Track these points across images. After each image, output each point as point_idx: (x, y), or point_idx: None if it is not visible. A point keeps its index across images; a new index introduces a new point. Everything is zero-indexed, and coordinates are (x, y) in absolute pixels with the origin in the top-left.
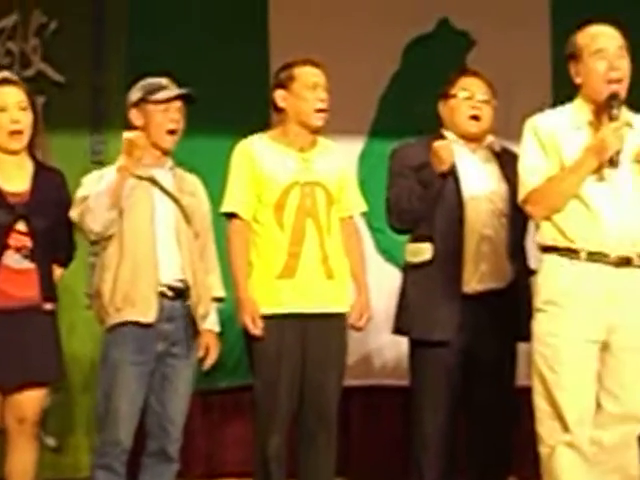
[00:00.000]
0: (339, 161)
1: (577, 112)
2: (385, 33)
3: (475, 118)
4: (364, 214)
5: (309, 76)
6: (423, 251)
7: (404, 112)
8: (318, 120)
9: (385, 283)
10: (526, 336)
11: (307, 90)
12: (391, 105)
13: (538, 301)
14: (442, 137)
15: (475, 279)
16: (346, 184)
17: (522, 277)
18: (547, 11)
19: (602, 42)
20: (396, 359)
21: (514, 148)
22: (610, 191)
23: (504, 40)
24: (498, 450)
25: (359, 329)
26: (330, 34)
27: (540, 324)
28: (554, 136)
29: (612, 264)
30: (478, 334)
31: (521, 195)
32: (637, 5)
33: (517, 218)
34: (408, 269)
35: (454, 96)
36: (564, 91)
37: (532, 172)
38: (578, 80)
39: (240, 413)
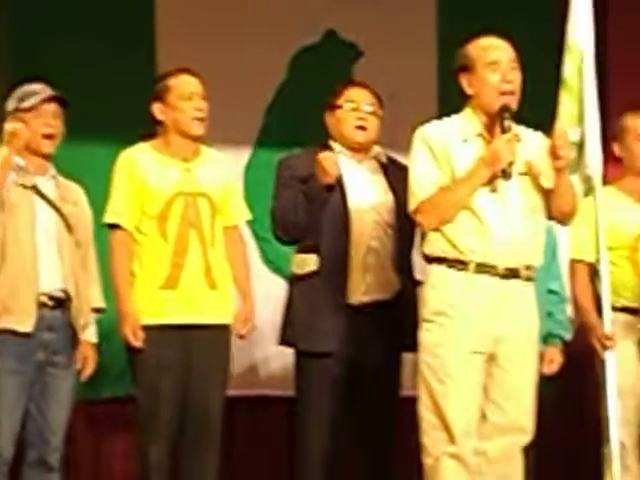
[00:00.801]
0: (223, 171)
1: (466, 123)
2: (272, 43)
3: (361, 128)
4: (250, 224)
5: (184, 86)
6: (309, 262)
7: (290, 122)
8: (197, 129)
9: (271, 293)
10: (411, 346)
11: (183, 100)
12: (278, 115)
13: (426, 312)
14: (329, 148)
15: (360, 290)
16: (230, 194)
17: (408, 288)
18: (433, 23)
19: (496, 54)
20: (282, 370)
21: (400, 159)
22: (500, 203)
23: (391, 51)
24: (379, 462)
25: (243, 337)
26: (217, 44)
27: (427, 335)
28: (445, 147)
29: (500, 276)
30: (363, 345)
31: (412, 205)
32: (523, 18)
33: (403, 229)
34: (294, 280)
35: (340, 107)
36: (450, 102)
37: (423, 182)
38: (470, 91)
39: (125, 423)
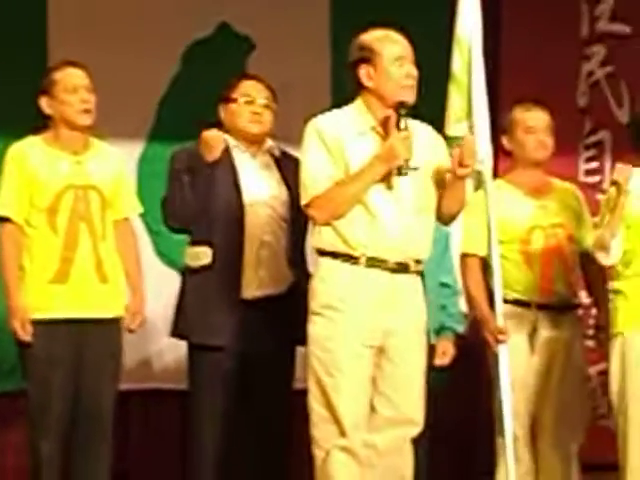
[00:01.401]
0: (114, 164)
1: (359, 116)
2: (164, 36)
3: (256, 121)
4: (143, 217)
5: (70, 78)
6: (202, 256)
7: (184, 116)
8: (83, 120)
9: (164, 286)
10: (304, 340)
11: (68, 93)
12: (171, 108)
13: (315, 305)
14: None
15: (254, 285)
16: (121, 187)
17: (302, 281)
18: (326, 15)
19: (400, 49)
20: (175, 363)
21: (294, 152)
22: (393, 198)
23: (284, 44)
24: (272, 455)
25: (132, 331)
26: (110, 37)
27: (317, 328)
28: (338, 139)
29: (390, 270)
30: (256, 339)
31: (304, 199)
32: (416, 12)
33: (297, 223)
34: (187, 273)
35: (235, 100)
36: (343, 95)
37: (316, 176)
38: (369, 84)
39: (17, 418)
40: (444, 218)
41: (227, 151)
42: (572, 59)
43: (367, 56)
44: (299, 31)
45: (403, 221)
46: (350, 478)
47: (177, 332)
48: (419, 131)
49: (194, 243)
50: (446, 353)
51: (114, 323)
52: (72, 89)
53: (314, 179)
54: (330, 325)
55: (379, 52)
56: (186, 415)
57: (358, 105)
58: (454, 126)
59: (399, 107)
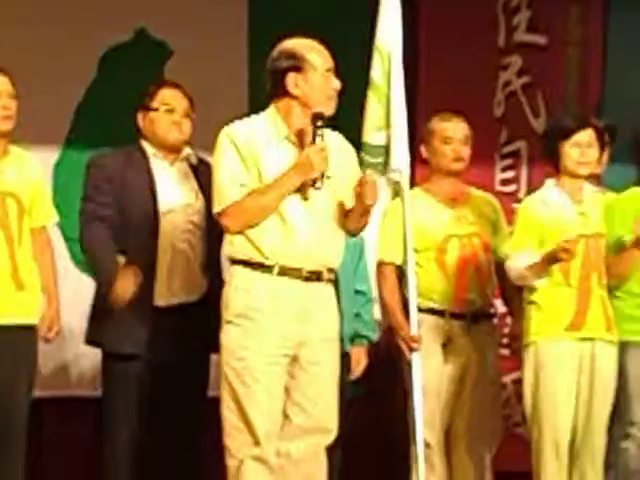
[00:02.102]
0: (33, 171)
1: (274, 125)
2: (82, 41)
3: (176, 130)
4: (59, 224)
5: None
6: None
7: (101, 121)
8: (4, 126)
9: (81, 293)
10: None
11: None
12: (88, 115)
13: (229, 314)
14: (141, 148)
15: (167, 293)
16: (38, 195)
17: (216, 289)
18: (244, 24)
19: (330, 61)
20: (92, 370)
21: (212, 158)
22: (306, 207)
23: (202, 51)
24: (186, 463)
25: (48, 341)
26: (26, 40)
27: (231, 337)
28: (252, 147)
29: (303, 279)
30: (169, 347)
31: (217, 207)
32: (336, 20)
33: (213, 231)
34: None
35: (155, 109)
36: (260, 104)
37: (231, 184)
38: (296, 92)
39: None
40: (349, 228)
41: (145, 159)
42: (489, 69)
43: (298, 65)
44: (217, 38)
45: (316, 229)
46: None
47: (90, 339)
48: (330, 140)
49: None
50: (359, 362)
51: (29, 330)
52: None
53: (227, 187)
54: (244, 334)
55: (311, 62)
56: (100, 422)
57: (272, 113)
58: (372, 134)
59: (316, 118)
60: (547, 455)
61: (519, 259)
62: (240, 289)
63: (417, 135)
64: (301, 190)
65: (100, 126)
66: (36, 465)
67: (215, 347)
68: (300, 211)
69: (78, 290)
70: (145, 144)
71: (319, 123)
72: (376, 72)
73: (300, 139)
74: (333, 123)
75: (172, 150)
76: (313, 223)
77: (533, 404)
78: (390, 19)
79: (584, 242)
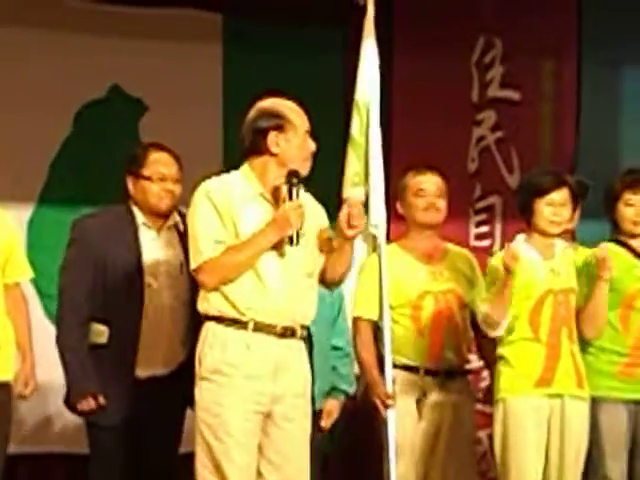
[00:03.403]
0: (7, 228)
1: (249, 182)
2: (56, 97)
3: (168, 198)
4: (33, 280)
5: None
6: (99, 334)
7: (76, 178)
8: None
9: (53, 347)
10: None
11: None
12: (63, 171)
13: (204, 370)
14: (130, 210)
15: (147, 365)
16: (12, 251)
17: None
18: (219, 83)
19: (308, 123)
20: (69, 427)
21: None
22: (281, 264)
23: (177, 108)
24: None
25: (24, 398)
26: (1, 97)
27: (206, 393)
28: (228, 204)
29: (277, 335)
30: (148, 417)
31: (195, 263)
32: (311, 77)
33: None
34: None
35: (148, 178)
36: (234, 162)
37: (207, 240)
38: (276, 150)
39: None
40: (328, 282)
41: (133, 225)
42: (463, 124)
43: (280, 124)
44: (192, 94)
45: (290, 286)
46: None
47: (68, 402)
48: (302, 198)
49: (92, 319)
50: (330, 415)
51: (4, 387)
52: None
53: (204, 244)
54: (219, 390)
55: (293, 122)
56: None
57: (247, 171)
58: (351, 189)
59: (292, 176)
60: None
61: (485, 307)
62: (215, 345)
63: (392, 191)
64: (277, 247)
65: (74, 182)
66: None
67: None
68: (275, 267)
69: (52, 345)
70: (135, 209)
71: (295, 181)
72: (355, 127)
73: (275, 197)
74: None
75: (162, 216)
76: (288, 280)
77: (502, 460)
78: (368, 72)
79: (553, 297)
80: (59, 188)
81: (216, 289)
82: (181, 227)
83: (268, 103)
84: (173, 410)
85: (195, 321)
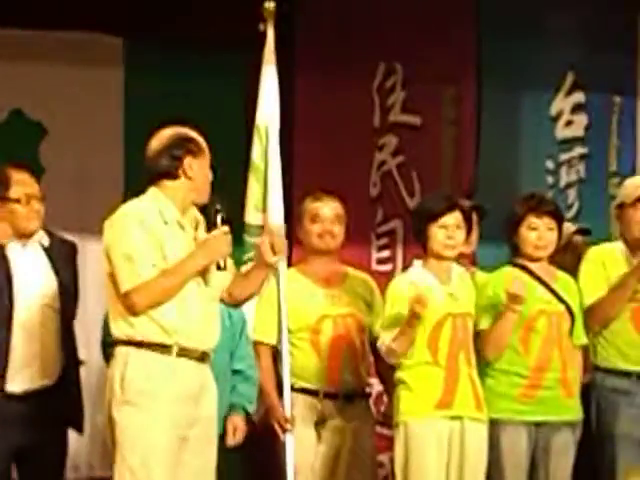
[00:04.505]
0: None
1: (164, 207)
2: None
3: (35, 219)
4: None
5: None
6: None
7: None
8: None
9: None
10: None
11: None
12: None
13: (126, 395)
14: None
15: (24, 379)
16: None
17: (72, 369)
18: (121, 107)
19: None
20: None
21: (90, 242)
22: (201, 290)
23: (77, 131)
24: None
25: None
26: None
27: (130, 417)
28: (154, 227)
29: (196, 359)
30: (27, 433)
31: (125, 286)
32: (209, 103)
33: (68, 310)
34: None
35: (17, 201)
36: (136, 187)
37: (141, 263)
38: (190, 173)
39: None
40: (232, 301)
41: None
42: (365, 149)
43: (194, 150)
44: (93, 118)
45: (206, 311)
46: None
47: None
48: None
49: None
50: (237, 429)
51: None
52: None
53: (137, 266)
54: (141, 414)
55: (204, 150)
56: None
57: (157, 195)
58: (253, 214)
59: (214, 204)
60: None
61: (387, 337)
62: (140, 371)
63: (293, 216)
64: (203, 273)
65: None
66: None
67: (76, 425)
68: (196, 292)
69: None
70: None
71: (219, 207)
72: (255, 152)
73: (189, 222)
74: None
75: (28, 236)
76: (204, 304)
77: None
78: (268, 98)
79: (451, 321)
80: None
81: (143, 313)
82: (45, 242)
83: (180, 130)
84: (55, 426)
85: (69, 328)
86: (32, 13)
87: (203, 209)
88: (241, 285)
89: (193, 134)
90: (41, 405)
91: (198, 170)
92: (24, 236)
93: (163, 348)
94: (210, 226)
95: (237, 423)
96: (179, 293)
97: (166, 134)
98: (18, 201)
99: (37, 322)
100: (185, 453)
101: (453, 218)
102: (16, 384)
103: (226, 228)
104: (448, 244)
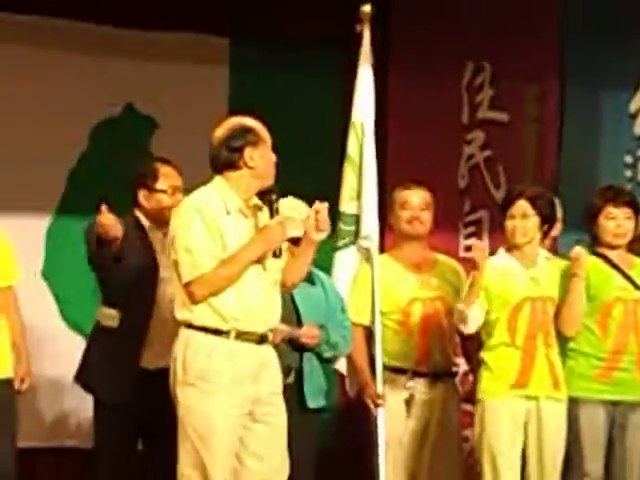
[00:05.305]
0: None
1: (227, 196)
2: (74, 115)
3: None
4: (50, 284)
5: None
6: (110, 318)
7: (90, 191)
8: None
9: (68, 348)
10: None
11: None
12: (79, 184)
13: (189, 376)
14: (137, 220)
15: (154, 356)
16: (2, 257)
17: None
18: (226, 100)
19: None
20: (82, 421)
21: None
22: (260, 276)
23: (185, 124)
24: None
25: (20, 392)
26: (20, 113)
27: (192, 398)
28: (215, 217)
29: (255, 342)
30: (151, 402)
31: (187, 277)
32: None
33: None
34: (96, 328)
35: (163, 191)
36: None
37: (201, 254)
38: (252, 164)
39: None
40: (288, 285)
41: (142, 228)
42: (453, 144)
43: (254, 140)
44: (200, 114)
45: (266, 296)
46: None
47: (81, 380)
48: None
49: (105, 303)
50: (311, 332)
51: (6, 384)
52: None
53: (198, 258)
54: (204, 396)
55: (264, 138)
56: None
57: (220, 185)
58: (348, 204)
59: (269, 194)
60: None
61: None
62: (200, 353)
63: (386, 205)
64: (260, 260)
65: (90, 194)
66: None
67: None
68: (255, 278)
69: (65, 344)
70: (140, 216)
71: (274, 198)
72: (351, 146)
73: (250, 210)
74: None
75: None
76: (264, 289)
77: (480, 459)
78: (364, 96)
79: (530, 304)
80: (76, 199)
81: (202, 302)
82: None
83: (241, 121)
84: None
85: None
86: (146, 15)
87: (260, 196)
88: (290, 269)
89: (253, 124)
90: (163, 381)
91: (259, 159)
92: (166, 224)
93: (221, 333)
94: (267, 215)
95: (311, 329)
96: (240, 281)
97: (227, 125)
98: (164, 192)
99: (169, 308)
100: (254, 425)
101: (519, 207)
102: (146, 360)
103: (280, 218)
104: (515, 233)
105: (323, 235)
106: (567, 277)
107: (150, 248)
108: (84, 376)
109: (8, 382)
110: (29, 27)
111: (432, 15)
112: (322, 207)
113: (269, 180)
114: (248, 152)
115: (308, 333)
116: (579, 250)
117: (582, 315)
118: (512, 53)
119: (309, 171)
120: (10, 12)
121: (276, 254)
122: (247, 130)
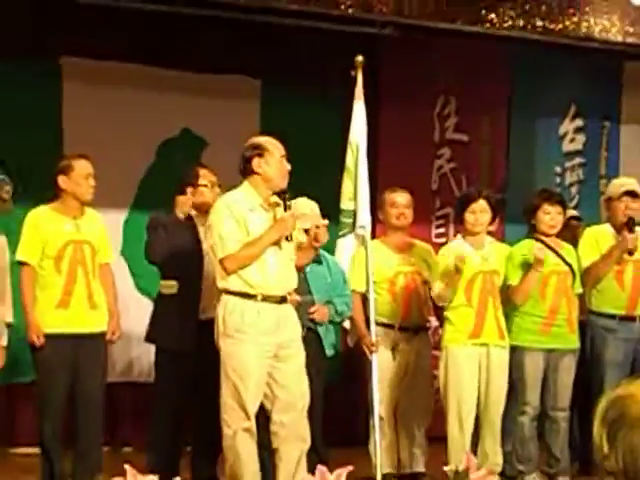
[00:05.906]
0: (99, 225)
1: (250, 195)
2: (143, 136)
3: (214, 200)
4: (127, 263)
5: (82, 167)
6: (170, 286)
7: (156, 193)
8: (90, 197)
9: (142, 310)
10: None
11: (82, 178)
12: (148, 187)
13: (227, 330)
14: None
15: (204, 310)
16: (102, 241)
17: None
18: (256, 122)
19: (283, 151)
20: (149, 363)
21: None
22: (278, 253)
23: (226, 144)
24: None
25: (112, 343)
26: (107, 135)
27: (230, 347)
28: (241, 211)
29: (276, 302)
30: (205, 347)
31: (220, 255)
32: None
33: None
34: (160, 297)
35: (205, 186)
36: None
37: (229, 239)
38: (259, 170)
39: (29, 402)
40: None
41: (191, 219)
42: (428, 157)
43: (260, 152)
44: (236, 137)
45: (283, 268)
46: (249, 452)
47: (149, 338)
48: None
49: (165, 277)
50: (320, 310)
51: (100, 336)
52: (85, 175)
53: (227, 241)
54: (239, 343)
55: (271, 150)
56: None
57: (247, 186)
58: (347, 202)
59: (283, 193)
60: (450, 424)
61: (437, 286)
62: (234, 312)
63: (377, 203)
64: (277, 242)
65: (155, 195)
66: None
67: None
68: (273, 256)
69: (139, 308)
70: (187, 212)
71: (287, 196)
72: (348, 159)
73: (270, 205)
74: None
75: (207, 213)
76: (281, 264)
77: (444, 392)
78: (358, 123)
79: (482, 276)
80: (145, 198)
81: (233, 273)
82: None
83: (254, 139)
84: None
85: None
86: (197, 60)
87: (277, 195)
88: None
89: (261, 140)
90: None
91: (266, 167)
92: (206, 214)
93: (250, 296)
94: (282, 210)
95: (322, 308)
96: (260, 258)
97: (246, 143)
98: (205, 186)
99: (212, 273)
100: (279, 363)
101: (479, 205)
102: (201, 313)
103: (292, 211)
104: (475, 224)
105: (317, 244)
106: (512, 260)
107: (195, 229)
108: (152, 335)
109: (103, 334)
110: (106, 71)
111: (411, 61)
112: (323, 224)
113: (279, 183)
114: (256, 162)
115: (320, 312)
116: (541, 250)
117: (531, 292)
118: (473, 90)
119: (318, 178)
120: (94, 59)
121: (288, 238)
122: (255, 146)
